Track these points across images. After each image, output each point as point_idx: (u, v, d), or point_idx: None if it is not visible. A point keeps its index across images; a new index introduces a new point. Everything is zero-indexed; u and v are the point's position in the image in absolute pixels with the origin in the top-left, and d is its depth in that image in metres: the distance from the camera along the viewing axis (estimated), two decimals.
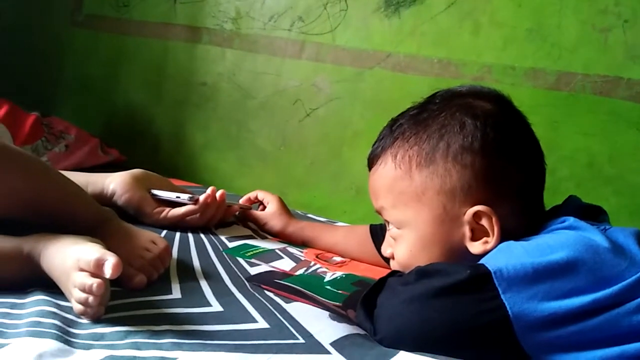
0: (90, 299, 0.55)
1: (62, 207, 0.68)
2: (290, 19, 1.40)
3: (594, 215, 0.64)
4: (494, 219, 0.59)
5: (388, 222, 0.68)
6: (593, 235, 0.56)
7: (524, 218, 0.62)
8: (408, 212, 0.63)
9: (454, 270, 0.55)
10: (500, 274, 0.53)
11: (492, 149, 0.60)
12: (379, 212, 0.69)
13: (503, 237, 0.59)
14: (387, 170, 0.65)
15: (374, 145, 0.69)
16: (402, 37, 1.27)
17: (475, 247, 0.60)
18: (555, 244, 0.55)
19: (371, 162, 0.68)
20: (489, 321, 0.52)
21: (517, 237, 0.59)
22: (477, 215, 0.60)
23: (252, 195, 1.03)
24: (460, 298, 0.54)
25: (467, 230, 0.60)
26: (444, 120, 0.62)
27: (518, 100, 1.16)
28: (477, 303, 0.53)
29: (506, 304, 0.51)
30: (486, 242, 0.60)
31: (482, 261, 0.56)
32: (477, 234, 0.60)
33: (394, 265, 0.68)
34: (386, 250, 0.69)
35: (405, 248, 0.64)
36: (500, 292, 0.52)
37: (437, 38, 1.24)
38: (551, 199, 0.70)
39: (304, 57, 1.39)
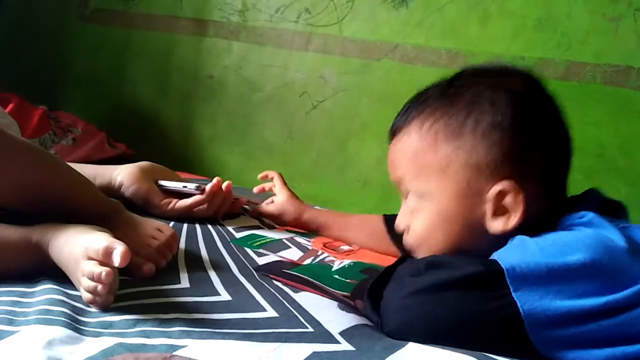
0: (99, 287, 0.55)
1: (70, 198, 0.68)
2: (297, 10, 1.39)
3: (613, 211, 0.62)
4: (520, 197, 0.57)
5: (405, 196, 0.66)
6: (611, 234, 0.54)
7: (546, 203, 0.59)
8: (430, 184, 0.61)
9: (465, 264, 0.54)
10: (513, 272, 0.52)
11: (521, 128, 0.58)
12: (396, 184, 0.67)
13: (526, 219, 0.57)
14: (412, 141, 0.63)
15: (397, 117, 0.67)
16: (410, 28, 1.26)
17: (495, 226, 0.58)
18: (573, 243, 0.53)
19: (393, 133, 0.67)
20: (499, 318, 0.51)
21: (537, 222, 0.57)
22: (501, 193, 0.58)
23: (261, 175, 1.04)
24: (470, 293, 0.53)
25: (489, 208, 0.58)
26: (473, 96, 0.60)
27: None
28: (486, 299, 0.52)
29: (517, 301, 0.51)
30: (507, 221, 0.57)
31: (495, 256, 0.55)
32: (500, 211, 0.58)
33: (408, 239, 0.66)
34: (400, 223, 0.67)
35: (424, 220, 0.62)
36: (512, 289, 0.51)
37: (445, 29, 1.23)
38: None
39: (310, 49, 1.38)
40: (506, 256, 0.54)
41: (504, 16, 1.18)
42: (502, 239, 0.58)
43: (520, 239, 0.56)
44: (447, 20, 1.23)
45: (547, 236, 0.56)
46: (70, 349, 0.48)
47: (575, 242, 0.53)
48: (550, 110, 0.63)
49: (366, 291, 0.60)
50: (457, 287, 0.53)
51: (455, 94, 0.62)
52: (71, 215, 0.65)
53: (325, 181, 1.40)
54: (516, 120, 0.58)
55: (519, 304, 0.50)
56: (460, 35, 1.22)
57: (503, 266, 0.52)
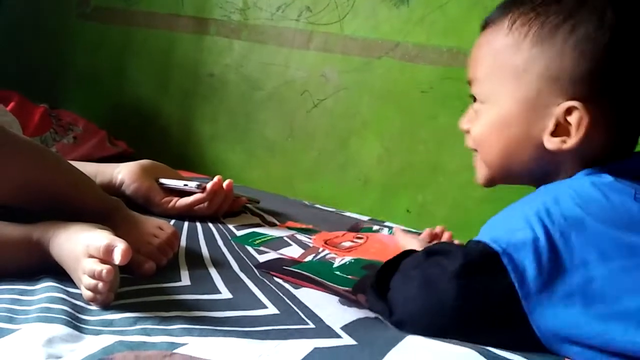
0: (100, 285, 0.55)
1: (71, 196, 0.68)
2: (298, 9, 1.39)
3: None
4: (585, 121, 0.54)
5: (474, 99, 0.64)
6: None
7: (612, 143, 0.56)
8: (501, 87, 0.59)
9: (461, 252, 0.55)
10: (506, 253, 0.51)
11: (620, 51, 0.54)
12: (470, 83, 0.64)
13: (584, 147, 0.55)
14: (498, 35, 0.60)
15: (493, 11, 0.63)
16: (411, 26, 1.26)
17: (552, 143, 0.56)
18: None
19: (485, 24, 0.63)
20: (500, 300, 0.52)
21: (596, 155, 0.55)
22: (568, 112, 0.55)
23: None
24: (469, 280, 0.53)
25: (551, 124, 0.56)
26: (578, 2, 0.55)
27: None
28: (487, 284, 0.52)
29: (515, 282, 0.51)
30: (564, 141, 0.55)
31: (484, 233, 0.54)
32: (560, 131, 0.56)
33: (468, 140, 0.65)
34: (464, 123, 0.65)
35: (485, 122, 0.61)
36: (509, 269, 0.51)
37: (446, 27, 1.23)
38: None
39: (311, 47, 1.38)
40: (498, 231, 0.53)
41: None
42: (553, 165, 0.57)
43: (535, 195, 0.55)
44: (448, 18, 1.22)
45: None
46: (70, 347, 0.48)
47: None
48: None
49: (371, 281, 0.61)
50: (457, 277, 0.53)
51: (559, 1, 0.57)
52: (72, 213, 0.65)
53: (326, 179, 1.40)
54: (618, 40, 0.54)
55: (516, 285, 0.50)
56: (461, 33, 1.21)
57: (496, 249, 0.51)
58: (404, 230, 0.94)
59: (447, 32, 1.23)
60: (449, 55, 1.23)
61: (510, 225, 0.53)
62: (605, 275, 0.49)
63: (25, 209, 0.67)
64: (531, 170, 0.59)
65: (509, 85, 0.58)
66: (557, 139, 0.56)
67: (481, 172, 0.65)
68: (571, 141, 0.55)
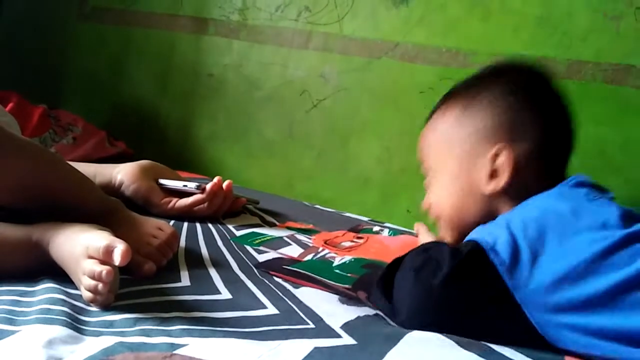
0: (100, 286, 0.55)
1: (70, 196, 0.68)
2: (297, 9, 1.39)
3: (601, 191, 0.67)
4: (510, 157, 0.65)
5: (426, 176, 0.76)
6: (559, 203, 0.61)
7: (541, 175, 0.66)
8: (442, 155, 0.72)
9: (450, 253, 0.59)
10: (493, 250, 0.57)
11: (520, 105, 0.68)
12: (421, 162, 0.76)
13: (517, 183, 0.65)
14: (437, 120, 0.74)
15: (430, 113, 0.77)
16: (410, 26, 1.26)
17: (488, 186, 0.67)
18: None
19: (429, 118, 0.77)
20: (494, 296, 0.55)
21: (529, 193, 0.64)
22: (496, 154, 0.67)
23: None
24: (462, 279, 0.57)
25: (488, 169, 0.67)
26: (486, 83, 0.72)
27: None
28: (479, 281, 0.57)
29: (505, 278, 0.55)
30: (498, 181, 0.66)
31: (476, 234, 0.60)
32: (494, 175, 0.67)
33: (431, 214, 0.75)
34: (424, 203, 0.76)
35: (437, 189, 0.73)
36: (497, 265, 0.56)
37: (445, 27, 1.23)
38: None
39: (311, 47, 1.38)
40: (485, 234, 0.59)
41: (504, 14, 1.17)
42: (494, 209, 0.67)
43: (498, 220, 0.62)
44: (448, 18, 1.22)
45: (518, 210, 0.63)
46: (70, 348, 0.48)
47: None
48: (551, 93, 0.71)
49: (377, 278, 0.63)
50: (454, 277, 0.56)
51: (474, 83, 0.73)
52: (71, 214, 0.65)
53: (325, 180, 1.39)
54: (517, 99, 0.68)
55: (506, 280, 0.55)
56: (461, 33, 1.21)
57: (484, 246, 0.57)
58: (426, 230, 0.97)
59: (446, 32, 1.23)
60: (449, 55, 1.23)
61: (491, 230, 0.60)
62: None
63: (24, 210, 0.67)
64: (481, 218, 0.67)
65: (449, 151, 0.71)
66: (492, 182, 0.66)
67: (447, 237, 0.73)
68: (503, 179, 0.65)
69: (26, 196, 0.65)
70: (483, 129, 0.68)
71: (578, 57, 1.11)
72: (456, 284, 0.57)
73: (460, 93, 0.73)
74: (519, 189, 0.65)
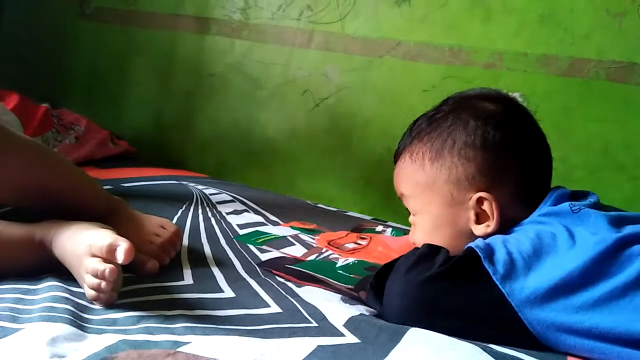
0: (103, 284, 0.55)
1: (71, 195, 0.68)
2: (299, 8, 1.39)
3: (579, 197, 0.68)
4: (494, 205, 0.66)
5: (409, 214, 0.75)
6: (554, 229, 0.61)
7: (525, 205, 0.67)
8: (423, 199, 0.71)
9: (447, 256, 0.60)
10: (488, 259, 0.57)
11: (491, 144, 0.67)
12: (401, 198, 0.75)
13: (504, 221, 0.66)
14: (406, 165, 0.73)
15: (398, 144, 0.76)
16: (413, 25, 1.26)
17: (478, 230, 0.67)
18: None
19: (395, 159, 0.76)
20: (488, 299, 0.56)
21: (518, 221, 0.65)
22: (479, 201, 0.67)
23: None
24: (456, 281, 0.58)
25: (472, 214, 0.67)
26: (452, 120, 0.69)
27: (531, 87, 1.16)
28: (472, 285, 0.57)
29: (499, 284, 0.56)
30: (488, 225, 0.66)
31: (473, 243, 0.61)
32: (481, 217, 0.67)
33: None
34: (410, 240, 0.75)
35: (422, 232, 0.71)
36: (491, 273, 0.56)
37: (447, 25, 1.23)
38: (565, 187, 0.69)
39: (313, 46, 1.38)
40: (482, 244, 0.60)
41: (506, 12, 1.17)
42: (487, 236, 0.66)
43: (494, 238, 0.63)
44: (450, 16, 1.22)
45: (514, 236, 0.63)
46: (74, 346, 0.48)
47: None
48: (522, 124, 0.70)
49: (369, 282, 0.64)
50: (445, 278, 0.57)
51: (439, 119, 0.71)
52: (74, 212, 0.65)
53: (328, 179, 1.39)
54: (486, 139, 0.67)
55: (500, 286, 0.55)
56: (462, 31, 1.21)
57: (480, 254, 0.58)
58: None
59: (448, 31, 1.23)
60: (451, 53, 1.23)
61: (488, 242, 0.62)
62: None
63: (27, 209, 0.67)
64: None
65: (429, 196, 0.70)
66: (481, 226, 0.67)
67: None
68: (492, 224, 0.66)
69: (28, 195, 0.65)
70: (459, 177, 0.67)
71: (580, 54, 1.11)
72: (443, 282, 0.57)
73: (428, 133, 0.70)
74: (507, 223, 0.66)
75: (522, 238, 0.60)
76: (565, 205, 0.63)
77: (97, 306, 0.56)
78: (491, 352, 0.52)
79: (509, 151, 0.67)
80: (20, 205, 0.66)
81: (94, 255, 0.56)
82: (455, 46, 1.22)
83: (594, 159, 1.12)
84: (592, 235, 0.58)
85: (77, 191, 0.69)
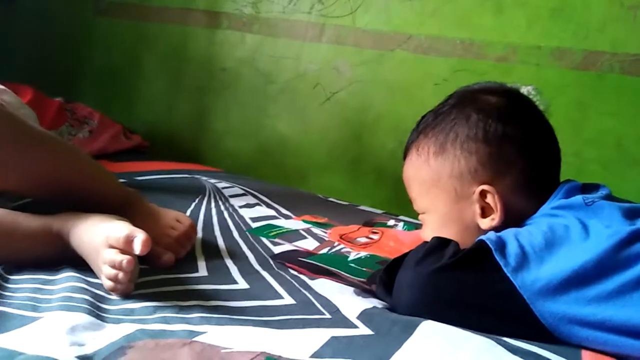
0: (120, 275, 0.56)
1: (89, 186, 0.69)
2: (310, 1, 1.39)
3: (590, 189, 0.67)
4: (496, 197, 0.66)
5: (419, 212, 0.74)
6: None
7: (532, 197, 0.66)
8: (429, 197, 0.71)
9: (456, 248, 0.60)
10: (500, 252, 0.57)
11: (493, 137, 0.67)
12: (410, 197, 0.75)
13: (510, 214, 0.65)
14: (412, 162, 0.73)
15: (406, 141, 0.76)
16: (424, 18, 1.26)
17: (484, 223, 0.67)
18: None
19: (404, 155, 0.76)
20: (498, 292, 0.56)
21: (526, 215, 0.65)
22: (483, 194, 0.66)
23: None
24: (466, 272, 0.58)
25: (477, 208, 0.67)
26: (456, 114, 0.70)
27: (543, 80, 1.15)
28: (482, 277, 0.57)
29: (510, 277, 0.55)
30: (492, 218, 0.66)
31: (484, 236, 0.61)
32: (487, 211, 0.67)
33: None
34: (422, 234, 0.75)
35: (432, 227, 0.71)
36: (502, 265, 0.56)
37: (459, 18, 1.22)
38: (578, 181, 0.69)
39: (324, 40, 1.38)
40: (494, 237, 0.60)
41: (518, 5, 1.16)
42: (493, 229, 0.65)
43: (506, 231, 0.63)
44: (461, 9, 1.22)
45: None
46: (92, 335, 0.49)
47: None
48: (525, 116, 0.70)
49: (379, 276, 0.64)
50: (454, 269, 0.58)
51: (444, 113, 0.71)
52: (90, 204, 0.66)
53: (338, 173, 1.40)
54: (488, 131, 0.67)
55: (512, 278, 0.55)
56: (474, 24, 1.21)
57: (490, 245, 0.58)
58: None
59: (460, 24, 1.22)
60: (462, 46, 1.22)
61: (500, 235, 0.61)
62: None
63: (45, 201, 0.68)
64: None
65: (434, 192, 0.70)
66: (487, 219, 0.67)
67: None
68: (497, 217, 0.66)
69: (47, 186, 0.66)
70: (462, 170, 0.67)
71: (594, 47, 1.10)
72: (453, 274, 0.57)
73: (433, 128, 0.71)
74: (515, 215, 0.65)
75: (534, 231, 0.60)
76: (579, 198, 0.63)
77: (114, 297, 0.57)
78: (505, 345, 0.52)
79: (511, 143, 0.67)
80: (40, 197, 0.67)
81: (112, 247, 0.57)
82: (467, 39, 1.21)
83: (608, 152, 1.11)
84: (606, 227, 0.57)
85: (95, 183, 0.70)
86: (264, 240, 0.82)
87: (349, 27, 1.34)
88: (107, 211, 0.65)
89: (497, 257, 0.56)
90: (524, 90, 1.15)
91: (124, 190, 0.73)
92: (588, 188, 0.67)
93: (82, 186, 0.68)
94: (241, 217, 0.92)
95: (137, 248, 0.55)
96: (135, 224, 0.62)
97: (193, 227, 0.73)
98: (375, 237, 0.93)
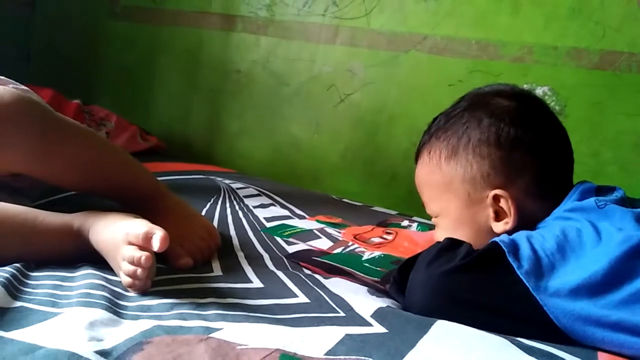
0: (139, 271, 0.56)
1: (122, 175, 0.71)
2: (324, 4, 1.39)
3: (605, 191, 0.67)
4: (510, 201, 0.65)
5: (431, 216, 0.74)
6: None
7: (545, 200, 0.66)
8: (441, 202, 0.71)
9: (469, 249, 0.60)
10: (513, 254, 0.57)
11: (505, 141, 0.66)
12: (425, 206, 0.75)
13: (523, 218, 0.65)
14: (424, 165, 0.73)
15: (418, 144, 0.76)
16: (439, 19, 1.25)
17: (497, 227, 0.67)
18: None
19: (415, 159, 0.76)
20: (510, 293, 0.56)
21: (539, 218, 0.65)
22: (496, 198, 0.66)
23: None
24: (478, 273, 0.58)
25: (490, 212, 0.67)
26: (467, 117, 0.69)
27: (560, 80, 1.14)
28: (495, 278, 0.57)
29: (523, 279, 0.55)
30: (506, 222, 0.66)
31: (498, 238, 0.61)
32: (500, 215, 0.67)
33: None
34: (435, 236, 0.75)
35: (445, 230, 0.71)
36: (515, 267, 0.56)
37: (475, 19, 1.22)
38: (595, 182, 0.69)
39: (338, 42, 1.39)
40: (507, 239, 0.60)
41: (535, 4, 1.16)
42: (507, 232, 0.65)
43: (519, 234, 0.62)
44: (477, 9, 1.21)
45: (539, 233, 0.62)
46: (110, 331, 0.49)
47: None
48: (537, 119, 0.69)
49: (392, 275, 0.64)
50: (467, 270, 0.58)
51: (456, 116, 0.70)
52: (123, 193, 0.69)
53: (353, 175, 1.40)
54: (500, 135, 0.66)
55: (525, 281, 0.55)
56: (490, 25, 1.20)
57: (504, 247, 0.58)
58: None
59: (475, 24, 1.22)
60: (478, 47, 1.22)
61: (512, 237, 0.61)
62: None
63: (87, 194, 0.69)
64: None
65: (446, 196, 0.70)
66: (500, 223, 0.67)
67: None
68: (511, 221, 0.66)
69: (82, 176, 0.69)
70: (474, 175, 0.67)
71: (612, 47, 1.09)
72: (465, 275, 0.57)
73: (445, 132, 0.70)
74: (528, 218, 0.65)
75: (547, 234, 0.59)
76: (591, 201, 0.62)
77: (132, 293, 0.58)
78: (520, 345, 0.52)
79: (523, 147, 0.66)
80: (74, 188, 0.70)
81: (131, 243, 0.58)
82: (483, 40, 1.21)
83: (625, 153, 1.10)
84: (618, 231, 0.57)
85: (127, 171, 0.73)
86: (279, 239, 0.82)
87: (364, 29, 1.35)
88: (138, 201, 0.66)
89: (511, 259, 0.56)
90: (540, 90, 1.14)
91: (154, 181, 0.75)
92: (602, 190, 0.66)
93: (115, 175, 0.71)
94: (256, 217, 0.92)
95: (156, 244, 0.56)
96: (161, 217, 0.64)
97: (217, 243, 0.73)
98: (389, 237, 0.93)
